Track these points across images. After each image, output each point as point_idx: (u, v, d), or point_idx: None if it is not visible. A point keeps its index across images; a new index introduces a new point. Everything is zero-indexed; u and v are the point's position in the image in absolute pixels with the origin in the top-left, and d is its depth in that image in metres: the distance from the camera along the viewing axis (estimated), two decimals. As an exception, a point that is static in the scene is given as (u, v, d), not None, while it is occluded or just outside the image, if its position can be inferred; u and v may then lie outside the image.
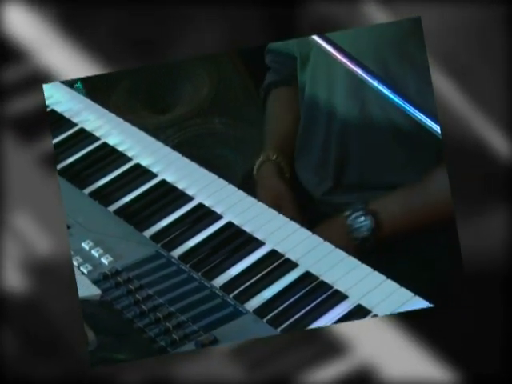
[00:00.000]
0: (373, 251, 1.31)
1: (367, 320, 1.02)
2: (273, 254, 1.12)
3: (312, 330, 1.01)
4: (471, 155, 0.97)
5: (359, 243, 1.34)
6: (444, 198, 1.34)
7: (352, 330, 0.96)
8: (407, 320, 0.96)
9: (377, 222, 1.34)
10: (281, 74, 1.58)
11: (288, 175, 1.53)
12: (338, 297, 1.05)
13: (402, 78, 1.36)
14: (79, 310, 0.95)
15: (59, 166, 1.34)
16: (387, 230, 1.34)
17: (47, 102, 1.46)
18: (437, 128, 0.98)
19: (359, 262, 1.08)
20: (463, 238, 0.95)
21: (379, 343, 0.95)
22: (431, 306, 1.02)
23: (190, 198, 1.24)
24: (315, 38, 1.07)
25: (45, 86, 1.60)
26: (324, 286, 1.06)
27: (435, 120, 0.99)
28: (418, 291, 1.04)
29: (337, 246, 1.19)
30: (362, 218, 1.34)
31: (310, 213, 1.48)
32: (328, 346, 0.94)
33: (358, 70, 1.05)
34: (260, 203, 1.21)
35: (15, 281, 0.94)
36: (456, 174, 0.98)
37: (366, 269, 1.07)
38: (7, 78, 1.00)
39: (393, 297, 1.04)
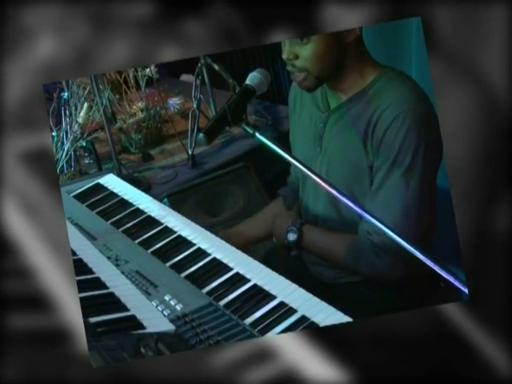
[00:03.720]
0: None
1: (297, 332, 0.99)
2: (282, 304, 1.13)
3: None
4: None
5: (287, 243, 1.42)
6: (338, 251, 1.37)
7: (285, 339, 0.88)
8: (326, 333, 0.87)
9: (299, 238, 1.41)
10: (287, 191, 1.62)
11: None
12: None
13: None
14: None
15: (151, 249, 1.36)
16: (304, 245, 1.42)
17: (146, 211, 1.51)
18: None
19: (335, 310, 1.08)
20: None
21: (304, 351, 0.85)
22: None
23: (231, 269, 1.26)
24: (306, 170, 1.07)
25: (143, 201, 1.65)
26: (314, 324, 1.06)
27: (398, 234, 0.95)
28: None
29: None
30: (294, 230, 1.41)
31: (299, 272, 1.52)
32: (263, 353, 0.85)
33: (335, 192, 1.05)
34: (274, 272, 1.23)
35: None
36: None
37: (339, 313, 1.07)
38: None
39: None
